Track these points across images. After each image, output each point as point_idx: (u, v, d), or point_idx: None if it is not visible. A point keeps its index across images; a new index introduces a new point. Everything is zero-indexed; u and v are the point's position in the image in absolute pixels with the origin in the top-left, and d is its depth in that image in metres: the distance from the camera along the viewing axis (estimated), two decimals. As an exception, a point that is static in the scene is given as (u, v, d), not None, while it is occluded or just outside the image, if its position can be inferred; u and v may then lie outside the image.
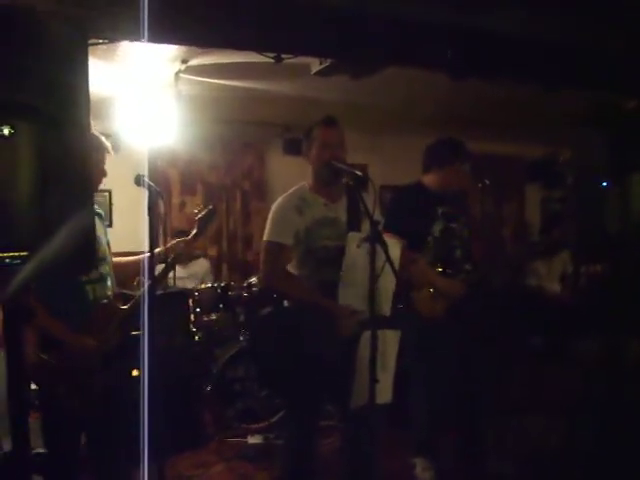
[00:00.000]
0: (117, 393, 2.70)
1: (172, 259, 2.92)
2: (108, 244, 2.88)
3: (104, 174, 2.77)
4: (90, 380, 2.63)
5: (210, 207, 3.06)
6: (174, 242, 3.01)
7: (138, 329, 2.43)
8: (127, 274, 2.96)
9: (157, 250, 2.82)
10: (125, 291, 2.99)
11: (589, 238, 4.01)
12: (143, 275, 2.60)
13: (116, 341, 2.70)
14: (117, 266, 2.90)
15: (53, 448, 2.68)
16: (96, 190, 2.82)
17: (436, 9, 3.34)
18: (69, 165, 1.76)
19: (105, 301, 2.73)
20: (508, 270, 6.73)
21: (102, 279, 2.76)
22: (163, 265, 2.92)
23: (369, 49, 3.64)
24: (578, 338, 5.42)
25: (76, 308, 2.65)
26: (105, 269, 2.79)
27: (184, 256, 3.04)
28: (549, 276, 6.77)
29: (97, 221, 2.83)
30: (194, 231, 2.98)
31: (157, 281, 2.79)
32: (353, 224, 2.86)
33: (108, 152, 2.78)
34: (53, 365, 2.59)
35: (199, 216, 3.00)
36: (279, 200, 2.94)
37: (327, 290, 2.74)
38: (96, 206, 2.89)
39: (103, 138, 2.76)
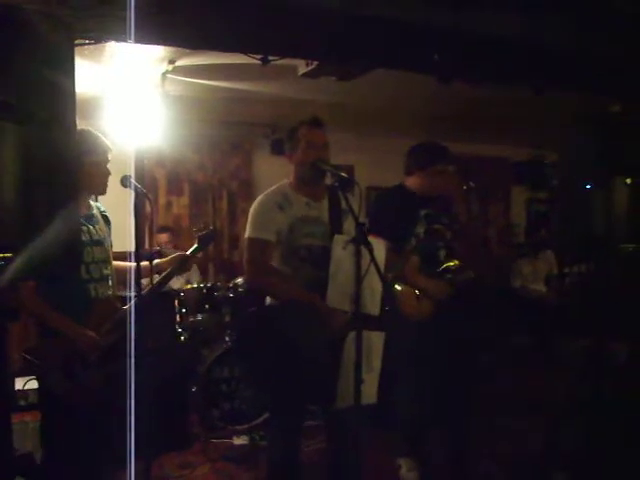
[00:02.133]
0: (109, 391, 2.70)
1: (171, 271, 3.03)
2: (110, 245, 2.92)
3: (108, 173, 2.80)
4: (86, 374, 2.66)
5: (211, 228, 3.33)
6: (174, 255, 3.15)
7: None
8: (119, 278, 2.99)
9: (156, 261, 2.99)
10: (121, 293, 3.03)
11: (574, 239, 4.03)
12: (135, 281, 2.66)
13: (113, 338, 2.74)
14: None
15: (51, 448, 2.70)
16: (104, 192, 2.85)
17: (424, 11, 3.35)
18: (55, 165, 1.76)
19: (105, 297, 2.79)
20: (493, 271, 6.77)
21: (104, 279, 2.82)
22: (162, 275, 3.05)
23: (356, 51, 3.65)
24: (563, 338, 5.46)
25: (79, 306, 2.70)
26: (108, 269, 2.85)
27: (182, 268, 3.16)
28: (534, 277, 6.81)
29: (103, 223, 2.87)
30: (194, 247, 3.16)
31: (156, 288, 2.98)
32: (335, 224, 2.87)
33: (110, 151, 2.80)
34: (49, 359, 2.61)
35: (200, 234, 3.21)
36: (260, 197, 2.93)
37: (310, 288, 2.74)
38: (103, 208, 2.93)
39: (102, 137, 2.78)
